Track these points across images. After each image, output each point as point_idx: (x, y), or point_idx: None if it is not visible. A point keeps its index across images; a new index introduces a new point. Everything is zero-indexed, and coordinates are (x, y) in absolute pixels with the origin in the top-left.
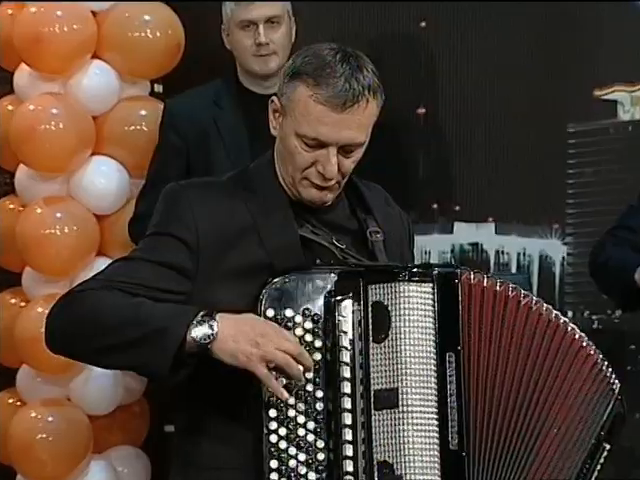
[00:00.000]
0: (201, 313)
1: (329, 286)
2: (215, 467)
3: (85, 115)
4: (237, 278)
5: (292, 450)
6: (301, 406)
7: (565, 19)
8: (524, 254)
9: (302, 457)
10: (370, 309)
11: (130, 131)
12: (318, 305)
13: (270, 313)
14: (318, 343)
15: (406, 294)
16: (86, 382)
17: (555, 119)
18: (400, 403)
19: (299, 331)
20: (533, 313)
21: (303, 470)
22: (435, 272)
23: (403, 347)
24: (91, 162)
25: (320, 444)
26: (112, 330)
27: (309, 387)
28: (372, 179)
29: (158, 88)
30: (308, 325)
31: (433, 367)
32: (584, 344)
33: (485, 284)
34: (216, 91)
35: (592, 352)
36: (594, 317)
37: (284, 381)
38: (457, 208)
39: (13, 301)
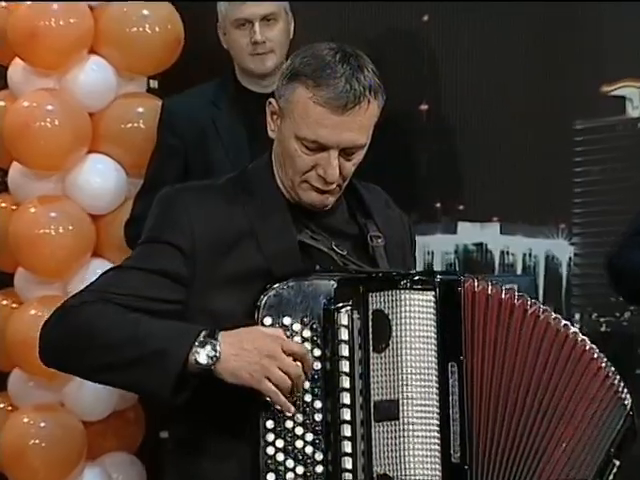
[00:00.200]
0: (203, 333)
1: (328, 293)
2: None
3: (81, 112)
4: (235, 284)
5: (290, 462)
6: (299, 417)
7: (571, 12)
8: (530, 255)
9: (300, 470)
10: (370, 317)
11: (127, 129)
12: (317, 313)
13: (268, 321)
14: (317, 352)
15: (407, 302)
16: (80, 387)
17: (562, 116)
18: (401, 415)
19: (297, 340)
20: (540, 322)
21: None
22: (437, 279)
23: (404, 357)
24: (87, 160)
25: (318, 456)
26: (109, 348)
27: (307, 398)
28: (373, 178)
29: (153, 84)
30: (306, 333)
31: (435, 378)
32: (595, 356)
33: (489, 291)
34: (214, 91)
35: (603, 365)
36: (602, 319)
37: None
38: (461, 207)
39: (5, 303)
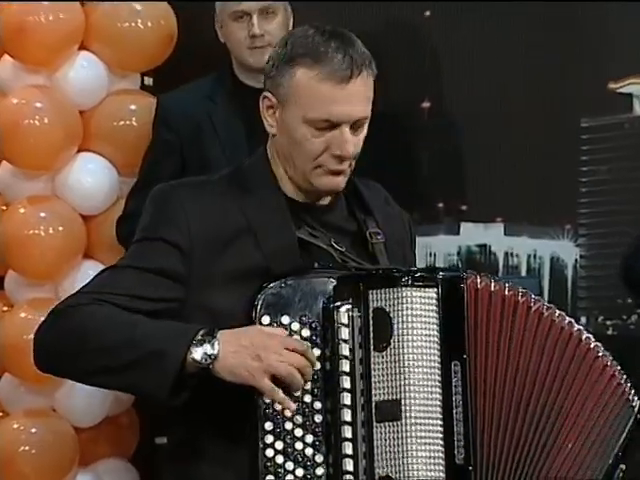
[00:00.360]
0: (201, 332)
1: (328, 291)
2: None
3: (72, 109)
4: (233, 282)
5: (289, 465)
6: (299, 418)
7: (577, 8)
8: (535, 256)
9: (300, 472)
10: (371, 316)
11: (119, 126)
12: (316, 311)
13: (266, 320)
14: (316, 352)
15: (409, 300)
16: (72, 392)
17: (567, 114)
18: (403, 415)
19: (296, 339)
20: (545, 320)
21: None
22: (439, 276)
23: (406, 356)
24: (78, 159)
25: (319, 458)
26: (106, 351)
27: (307, 398)
28: (373, 177)
29: (148, 81)
30: (305, 333)
31: (438, 377)
32: (600, 354)
33: (492, 288)
34: (210, 85)
35: (609, 364)
36: (608, 322)
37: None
38: (464, 208)
39: None
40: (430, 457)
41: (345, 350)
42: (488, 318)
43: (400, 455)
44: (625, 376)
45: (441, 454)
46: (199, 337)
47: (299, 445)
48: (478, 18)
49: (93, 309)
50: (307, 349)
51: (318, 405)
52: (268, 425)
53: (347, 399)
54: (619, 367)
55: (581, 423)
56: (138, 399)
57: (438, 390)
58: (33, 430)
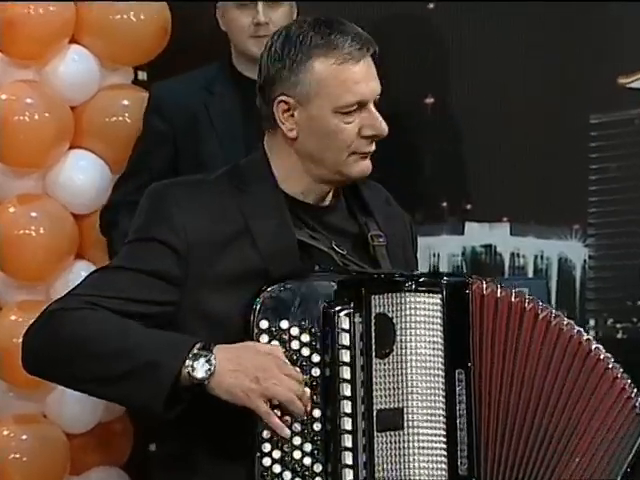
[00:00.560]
0: (197, 346)
1: (328, 295)
2: None
3: (62, 105)
4: (230, 285)
5: (287, 475)
6: (297, 426)
7: (586, 3)
8: (542, 257)
9: None
10: (373, 321)
11: (112, 122)
12: (316, 316)
13: (264, 324)
14: (316, 358)
15: (412, 305)
16: (63, 397)
17: (576, 110)
18: (405, 424)
19: (295, 344)
20: (552, 328)
21: None
22: (444, 281)
23: (409, 363)
24: (69, 156)
25: (317, 468)
26: (97, 360)
27: None
28: (374, 176)
29: (142, 75)
30: (305, 338)
31: (441, 385)
32: (610, 366)
33: (499, 294)
34: (207, 76)
35: (619, 376)
36: (618, 326)
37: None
38: (468, 207)
39: None
40: (432, 468)
41: (346, 356)
42: (494, 325)
43: (401, 465)
44: (635, 389)
45: (444, 465)
46: (195, 351)
47: (297, 454)
48: (483, 11)
49: (84, 314)
50: (303, 379)
51: (317, 413)
52: (265, 433)
53: (347, 407)
54: (629, 380)
55: (589, 438)
56: None
57: (441, 399)
58: (23, 437)
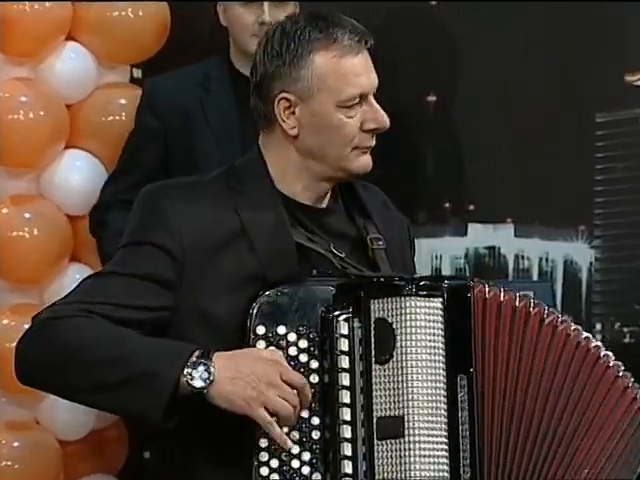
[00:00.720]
0: (196, 354)
1: (326, 300)
2: None
3: (58, 104)
4: (227, 288)
5: None
6: (295, 435)
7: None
8: (547, 259)
9: None
10: (372, 326)
11: (108, 122)
12: (314, 321)
13: (261, 330)
14: (314, 364)
15: (413, 310)
16: (57, 404)
17: (582, 108)
18: (406, 432)
19: (293, 350)
20: (559, 334)
21: None
22: (445, 285)
23: (409, 369)
24: (64, 156)
25: (316, 477)
26: (92, 369)
27: (304, 414)
28: (374, 176)
29: (137, 73)
30: (303, 344)
31: (443, 391)
32: (620, 374)
33: (502, 298)
34: (204, 72)
35: (629, 385)
36: (625, 329)
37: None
38: (471, 207)
39: None
40: (434, 477)
41: (345, 362)
42: (497, 330)
43: (403, 474)
44: None
45: (446, 473)
46: (193, 359)
47: (295, 463)
48: (487, 7)
49: (78, 322)
50: (305, 385)
51: (316, 421)
52: (263, 442)
53: (347, 414)
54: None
55: (598, 448)
56: None
57: (443, 406)
58: (15, 444)
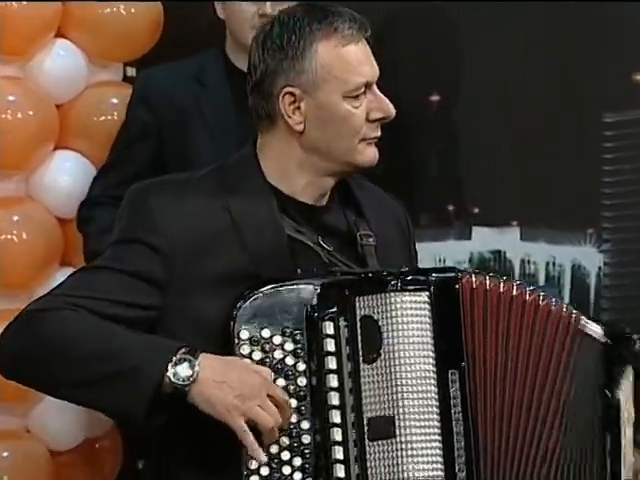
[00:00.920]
0: (182, 350)
1: (311, 300)
2: None
3: (48, 103)
4: (217, 287)
5: None
6: (285, 440)
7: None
8: (554, 264)
9: None
10: (358, 325)
11: (100, 122)
12: (299, 322)
13: (244, 335)
14: (301, 366)
15: (399, 306)
16: (48, 411)
17: (589, 108)
18: (398, 432)
19: (279, 354)
20: (542, 310)
21: None
22: (432, 278)
23: (398, 367)
24: (54, 157)
25: None
26: (77, 363)
27: (293, 418)
28: (376, 177)
29: (131, 72)
30: (289, 346)
31: (434, 388)
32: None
33: (488, 287)
34: (199, 66)
35: None
36: (635, 337)
37: None
38: (476, 210)
39: None
40: (429, 476)
41: (332, 363)
42: (484, 320)
43: (396, 475)
44: None
45: (441, 472)
46: (179, 356)
47: (287, 469)
48: (492, 3)
49: (65, 314)
50: (287, 403)
51: (305, 425)
52: None
53: (336, 417)
54: None
55: None
56: None
57: (435, 403)
58: (5, 454)
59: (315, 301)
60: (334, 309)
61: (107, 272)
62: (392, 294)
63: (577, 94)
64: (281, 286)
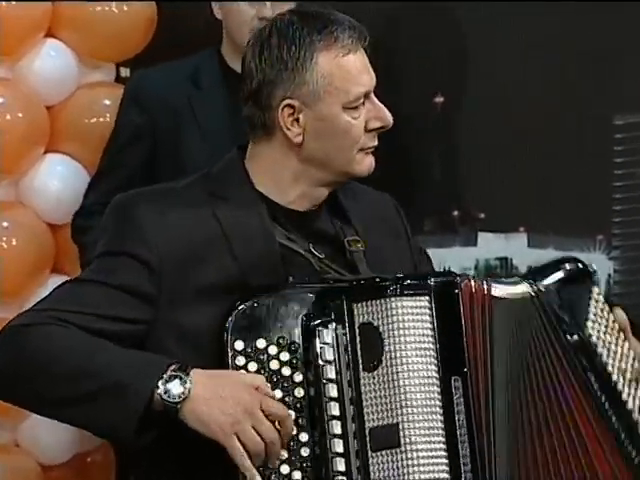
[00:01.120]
0: (172, 367)
1: (307, 308)
2: None
3: (37, 105)
4: (208, 299)
5: None
6: (284, 453)
7: None
8: None
9: None
10: (357, 332)
11: (91, 124)
12: (295, 332)
13: (239, 346)
14: (298, 377)
15: (399, 311)
16: (38, 425)
17: (599, 110)
18: (401, 441)
19: (274, 364)
20: None
21: None
22: (431, 282)
23: (400, 374)
24: (44, 161)
25: None
26: (63, 379)
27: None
28: (378, 182)
29: (125, 72)
30: (285, 356)
31: (437, 395)
32: None
33: (486, 291)
34: (194, 67)
35: None
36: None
37: None
38: (482, 216)
39: None
40: None
41: (331, 373)
42: (483, 322)
43: None
44: None
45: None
46: (170, 372)
47: None
48: (498, 3)
49: (51, 330)
50: (288, 416)
51: (304, 437)
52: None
53: (337, 427)
54: None
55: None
56: None
57: (439, 410)
58: None
59: (311, 309)
60: (331, 317)
61: (94, 285)
62: (392, 299)
63: (587, 96)
64: (275, 295)
